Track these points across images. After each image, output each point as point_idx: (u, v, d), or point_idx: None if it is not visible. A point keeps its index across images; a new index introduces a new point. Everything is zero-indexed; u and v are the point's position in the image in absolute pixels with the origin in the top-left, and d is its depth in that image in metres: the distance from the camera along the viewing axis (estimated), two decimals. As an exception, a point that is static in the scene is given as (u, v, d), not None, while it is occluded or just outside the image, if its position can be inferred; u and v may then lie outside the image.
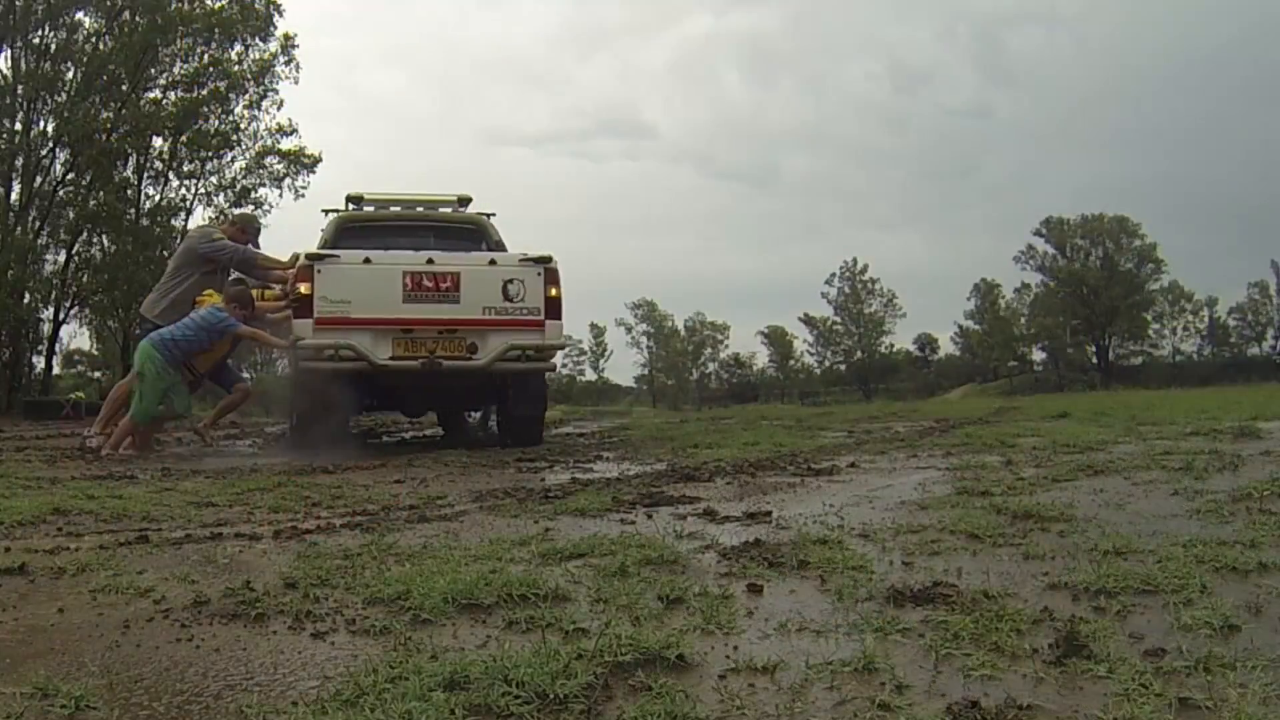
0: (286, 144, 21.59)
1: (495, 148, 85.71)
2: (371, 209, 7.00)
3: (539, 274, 5.90)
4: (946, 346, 57.15)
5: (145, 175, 20.86)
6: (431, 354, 5.68)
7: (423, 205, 7.12)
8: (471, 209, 7.13)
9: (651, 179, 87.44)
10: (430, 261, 5.76)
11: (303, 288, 5.60)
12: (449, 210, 7.11)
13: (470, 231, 6.93)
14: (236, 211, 6.62)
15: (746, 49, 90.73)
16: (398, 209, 7.04)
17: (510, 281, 5.83)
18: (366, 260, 5.70)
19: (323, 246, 6.37)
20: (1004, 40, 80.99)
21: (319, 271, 5.60)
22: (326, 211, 7.07)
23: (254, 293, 6.19)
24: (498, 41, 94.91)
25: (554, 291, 5.93)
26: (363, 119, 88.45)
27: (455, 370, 5.79)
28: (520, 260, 5.94)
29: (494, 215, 7.14)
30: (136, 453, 5.54)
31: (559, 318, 5.98)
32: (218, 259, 6.14)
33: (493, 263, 5.90)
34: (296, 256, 5.87)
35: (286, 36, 21.13)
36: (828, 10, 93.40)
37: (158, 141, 20.54)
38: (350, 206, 6.98)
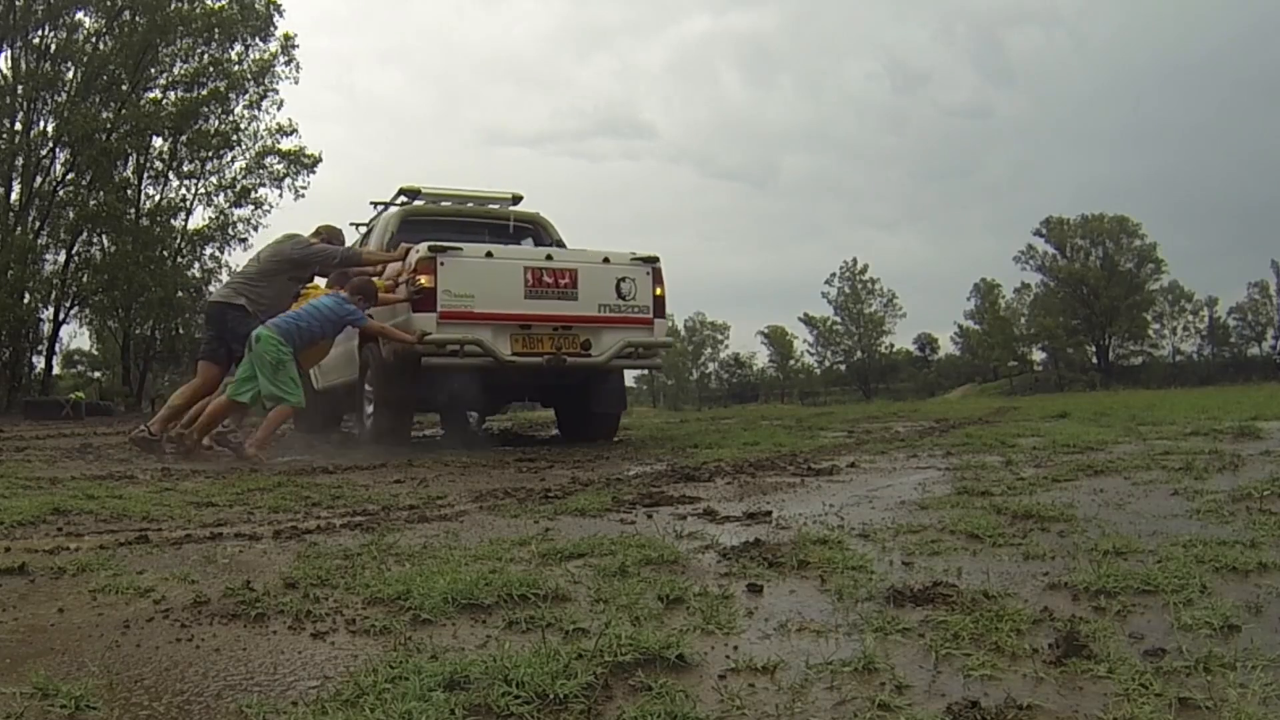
0: (286, 144, 21.66)
1: (494, 147, 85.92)
2: (422, 203, 7.01)
3: (648, 273, 6.01)
4: (946, 346, 57.25)
5: (145, 175, 20.90)
6: (558, 350, 5.69)
7: (473, 201, 7.16)
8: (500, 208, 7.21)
9: (651, 179, 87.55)
10: (549, 258, 5.82)
11: (424, 280, 5.48)
12: (499, 207, 7.18)
13: (529, 230, 7.02)
14: (320, 224, 6.57)
15: (745, 49, 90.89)
16: (451, 204, 7.08)
17: (623, 280, 5.93)
18: (489, 254, 5.66)
19: (388, 240, 6.42)
20: (1003, 40, 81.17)
21: (442, 264, 5.49)
22: (376, 204, 7.02)
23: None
24: (496, 41, 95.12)
25: (659, 291, 6.06)
26: (362, 119, 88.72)
27: (577, 367, 5.81)
28: (631, 259, 6.02)
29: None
30: (258, 452, 5.27)
31: (664, 316, 6.15)
32: (310, 262, 6.02)
33: (606, 260, 5.96)
34: (406, 251, 5.79)
35: (286, 36, 21.21)
36: (827, 10, 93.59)
37: (158, 141, 20.61)
38: (402, 199, 6.93)
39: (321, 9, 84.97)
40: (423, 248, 5.58)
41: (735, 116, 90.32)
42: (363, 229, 7.48)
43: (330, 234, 6.24)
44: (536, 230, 7.04)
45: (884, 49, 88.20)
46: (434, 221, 6.73)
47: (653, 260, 6.06)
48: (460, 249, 5.63)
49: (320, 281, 6.33)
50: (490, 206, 7.16)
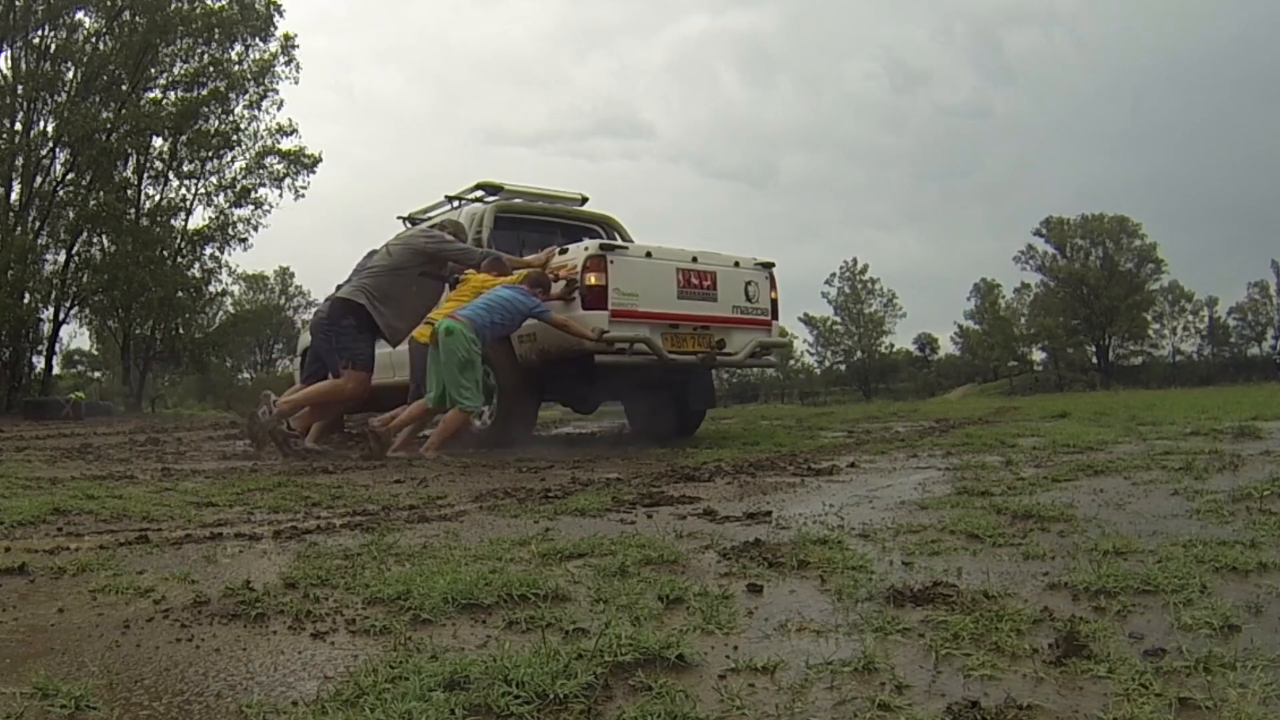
0: (286, 144, 21.64)
1: (493, 147, 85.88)
2: (516, 201, 6.99)
3: (766, 277, 6.33)
4: (946, 346, 57.20)
5: (145, 175, 20.88)
6: (712, 348, 5.87)
7: (543, 200, 7.20)
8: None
9: (650, 178, 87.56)
10: (695, 260, 5.96)
11: (593, 278, 5.49)
12: (570, 207, 7.24)
13: (594, 232, 7.14)
14: (445, 217, 6.43)
15: (744, 48, 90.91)
16: (541, 203, 7.10)
17: (749, 283, 6.21)
18: (648, 254, 5.75)
19: (487, 236, 6.41)
20: (1002, 39, 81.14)
21: (611, 263, 5.54)
22: (451, 198, 6.90)
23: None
24: (494, 41, 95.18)
25: (774, 294, 6.37)
26: (360, 119, 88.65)
27: (723, 364, 6.15)
28: (755, 264, 6.31)
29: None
30: (438, 453, 5.05)
31: (778, 319, 6.45)
32: (444, 258, 5.89)
33: (737, 264, 6.19)
34: (553, 251, 5.83)
35: (286, 36, 21.20)
36: (825, 10, 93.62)
37: (158, 141, 20.58)
38: (480, 193, 6.87)
39: (319, 9, 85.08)
40: (592, 246, 5.65)
41: (734, 116, 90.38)
42: (420, 222, 7.23)
43: (455, 229, 6.15)
44: (607, 231, 7.17)
45: (883, 49, 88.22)
46: (518, 220, 6.77)
47: (770, 265, 6.38)
48: (626, 248, 5.77)
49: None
50: (571, 208, 7.28)
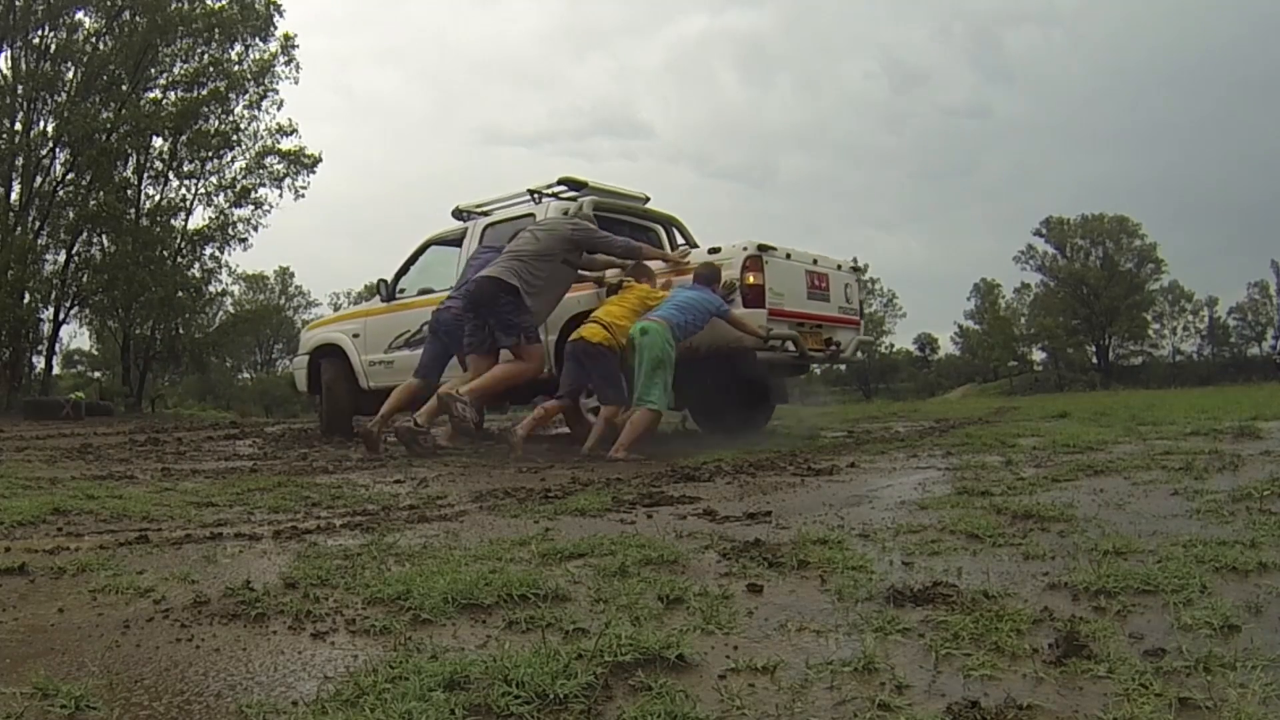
0: (286, 144, 21.61)
1: (492, 147, 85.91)
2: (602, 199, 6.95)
3: (857, 280, 6.77)
4: (946, 346, 57.21)
5: (145, 175, 20.85)
6: (830, 346, 6.06)
7: (619, 198, 7.23)
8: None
9: (649, 178, 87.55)
10: (815, 262, 6.16)
11: (752, 278, 5.55)
12: (639, 206, 7.34)
13: (665, 231, 7.36)
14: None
15: (742, 48, 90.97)
16: (611, 200, 7.08)
17: (847, 285, 6.51)
18: (788, 256, 5.89)
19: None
20: (1001, 39, 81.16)
21: (766, 263, 5.62)
22: (533, 192, 6.82)
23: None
24: (492, 41, 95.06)
25: (861, 296, 6.89)
26: (359, 119, 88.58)
27: (839, 361, 6.55)
28: (850, 267, 6.68)
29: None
30: (628, 454, 4.94)
31: (862, 318, 6.88)
32: (587, 246, 5.82)
33: (839, 267, 6.45)
34: (686, 250, 5.92)
35: (286, 36, 21.14)
36: (824, 9, 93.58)
37: (158, 141, 20.54)
38: (562, 188, 6.81)
39: (317, 10, 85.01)
40: (751, 245, 5.67)
41: (733, 116, 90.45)
42: (475, 215, 7.15)
43: (589, 220, 6.15)
44: (670, 230, 7.35)
45: (882, 48, 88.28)
46: (603, 217, 6.74)
47: (860, 270, 6.89)
48: (775, 249, 5.84)
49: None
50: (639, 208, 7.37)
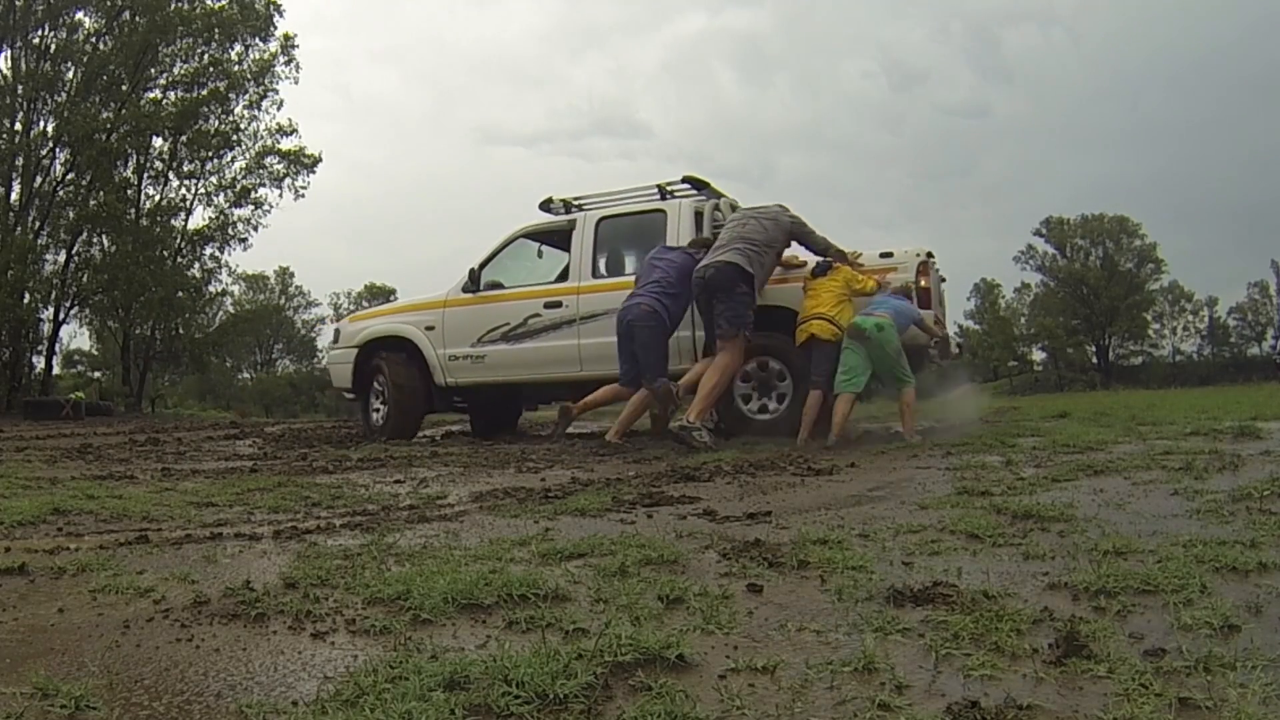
0: (286, 144, 21.64)
1: (490, 147, 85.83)
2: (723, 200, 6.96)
3: (940, 280, 6.82)
4: (946, 346, 57.06)
5: (145, 175, 20.88)
6: (960, 347, 6.22)
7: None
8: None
9: (648, 178, 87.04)
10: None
11: (923, 281, 5.78)
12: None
13: None
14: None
15: (741, 48, 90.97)
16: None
17: (944, 290, 6.55)
18: (930, 256, 6.06)
19: (717, 226, 6.35)
20: (1000, 38, 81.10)
21: (934, 267, 5.88)
22: (662, 188, 6.74)
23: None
24: (490, 41, 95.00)
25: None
26: (357, 119, 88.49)
27: (955, 360, 6.59)
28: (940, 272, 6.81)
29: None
30: (837, 438, 5.17)
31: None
32: (794, 239, 5.87)
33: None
34: (859, 253, 5.94)
35: (286, 36, 21.18)
36: (822, 9, 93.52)
37: (158, 141, 20.56)
38: (686, 186, 6.78)
39: (314, 10, 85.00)
40: (922, 252, 5.85)
41: (731, 116, 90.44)
42: (594, 211, 6.93)
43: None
44: None
45: (880, 48, 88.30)
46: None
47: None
48: (932, 253, 6.00)
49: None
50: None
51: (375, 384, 7.29)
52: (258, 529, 2.59)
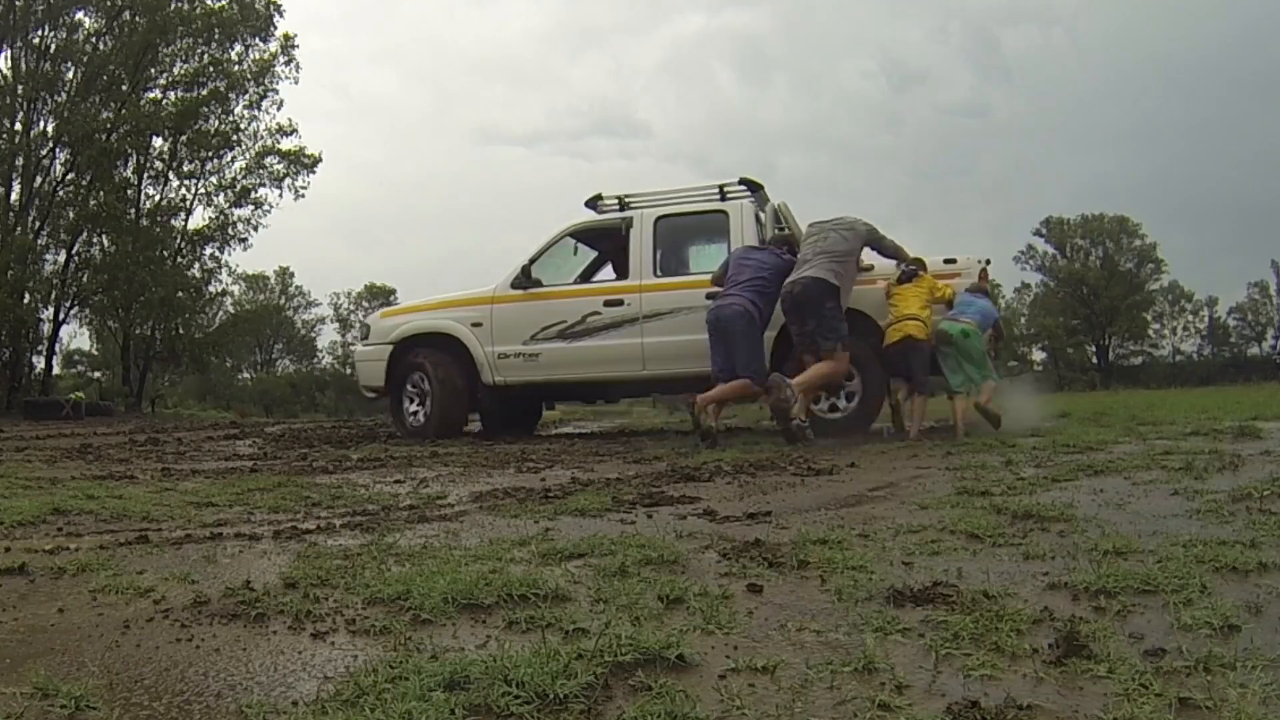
0: (286, 144, 21.64)
1: (489, 147, 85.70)
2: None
3: None
4: (946, 346, 57.05)
5: (145, 175, 20.88)
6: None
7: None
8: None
9: (647, 178, 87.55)
10: None
11: (984, 286, 6.17)
12: None
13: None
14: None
15: (740, 48, 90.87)
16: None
17: None
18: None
19: (780, 226, 6.46)
20: (999, 38, 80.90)
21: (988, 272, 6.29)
22: (721, 188, 6.76)
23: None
24: (489, 41, 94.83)
25: None
26: (356, 119, 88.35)
27: None
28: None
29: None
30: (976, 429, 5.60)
31: None
32: (874, 243, 6.01)
33: None
34: (921, 259, 6.08)
35: (286, 36, 21.17)
36: (821, 9, 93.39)
37: (158, 141, 20.57)
38: (743, 189, 6.80)
39: (312, 10, 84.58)
40: (982, 258, 6.15)
41: (731, 115, 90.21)
42: (650, 210, 6.87)
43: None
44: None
45: (879, 47, 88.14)
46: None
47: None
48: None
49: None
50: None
51: (409, 383, 7.05)
52: (258, 529, 2.59)
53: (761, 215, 6.60)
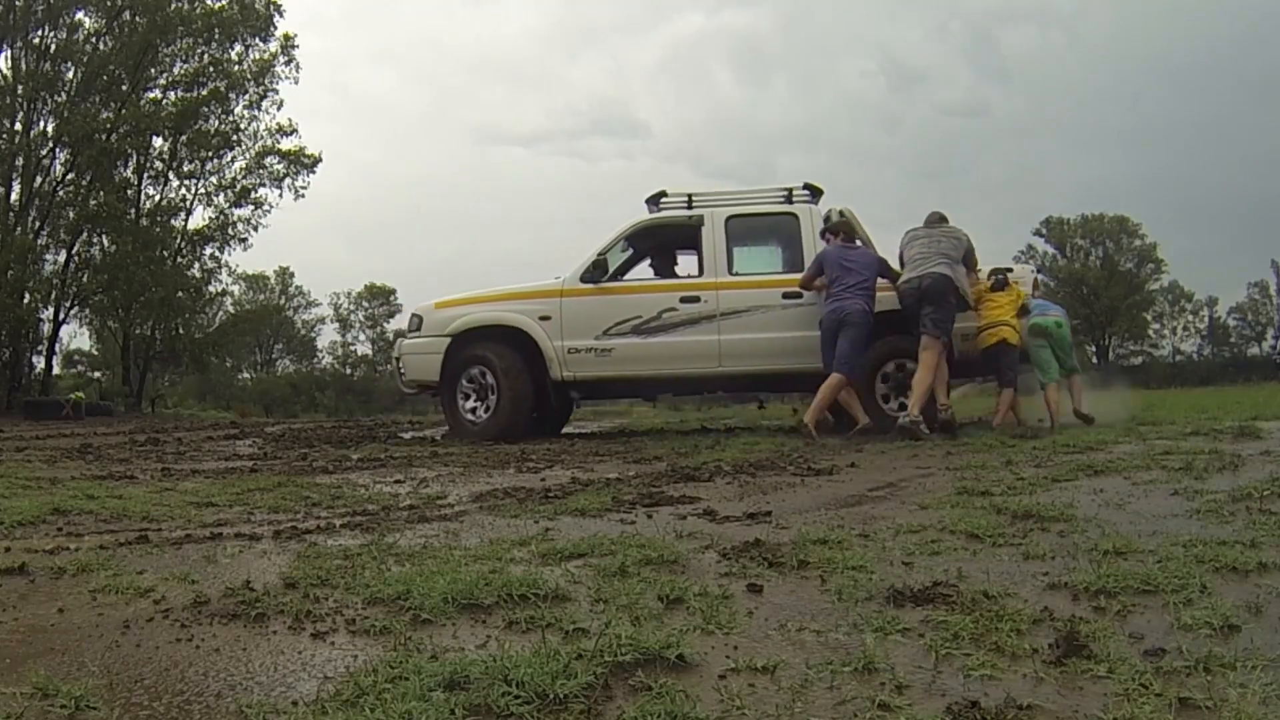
0: (286, 144, 21.63)
1: (488, 147, 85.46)
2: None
3: None
4: (946, 346, 57.07)
5: (145, 175, 20.87)
6: None
7: None
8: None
9: (646, 178, 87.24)
10: None
11: (1035, 293, 6.67)
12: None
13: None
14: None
15: (739, 47, 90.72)
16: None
17: None
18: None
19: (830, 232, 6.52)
20: (998, 38, 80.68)
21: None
22: (789, 191, 6.83)
23: None
24: (487, 41, 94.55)
25: None
26: (355, 119, 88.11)
27: None
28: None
29: None
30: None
31: None
32: (969, 256, 6.23)
33: None
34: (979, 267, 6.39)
35: (286, 36, 21.17)
36: (820, 9, 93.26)
37: (158, 141, 20.56)
38: (806, 194, 6.90)
39: (311, 10, 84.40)
40: (1032, 268, 6.69)
41: (730, 115, 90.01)
42: (721, 209, 6.84)
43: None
44: None
45: (878, 47, 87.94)
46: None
47: None
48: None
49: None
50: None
51: (464, 378, 6.71)
52: (258, 529, 2.59)
53: (833, 219, 6.69)
